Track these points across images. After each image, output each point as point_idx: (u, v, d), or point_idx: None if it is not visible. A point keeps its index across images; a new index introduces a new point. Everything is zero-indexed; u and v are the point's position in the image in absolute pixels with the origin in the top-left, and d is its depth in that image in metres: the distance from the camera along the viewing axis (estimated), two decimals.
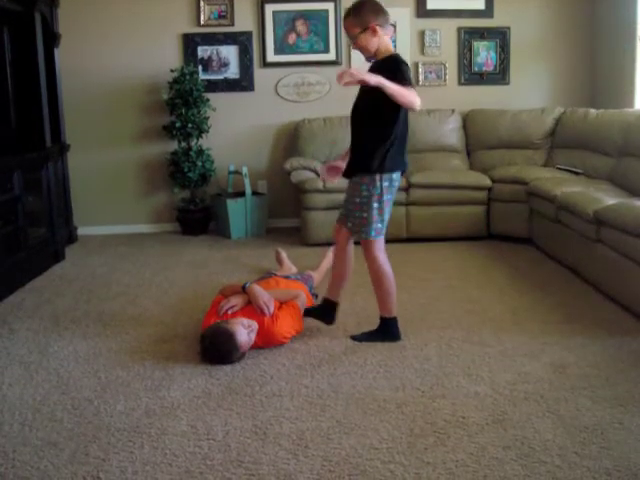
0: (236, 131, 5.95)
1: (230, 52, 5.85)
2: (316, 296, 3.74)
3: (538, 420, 2.41)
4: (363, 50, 3.03)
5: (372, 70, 2.96)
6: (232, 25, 5.80)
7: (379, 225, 3.09)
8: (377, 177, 3.01)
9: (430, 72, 6.06)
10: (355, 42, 3.02)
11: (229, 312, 3.12)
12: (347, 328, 3.39)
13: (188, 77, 5.51)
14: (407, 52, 5.99)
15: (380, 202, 3.06)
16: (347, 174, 3.12)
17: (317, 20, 5.86)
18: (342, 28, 2.99)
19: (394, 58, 2.99)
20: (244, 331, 2.95)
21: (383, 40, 3.00)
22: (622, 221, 3.52)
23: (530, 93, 6.11)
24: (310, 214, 5.20)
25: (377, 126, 2.98)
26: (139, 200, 6.05)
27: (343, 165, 3.18)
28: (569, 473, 2.07)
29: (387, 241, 5.31)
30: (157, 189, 6.03)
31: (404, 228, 5.30)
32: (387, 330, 3.21)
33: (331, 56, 5.93)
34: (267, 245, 5.32)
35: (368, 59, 3.09)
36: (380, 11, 3.01)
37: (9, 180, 4.22)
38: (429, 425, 2.39)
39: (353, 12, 2.99)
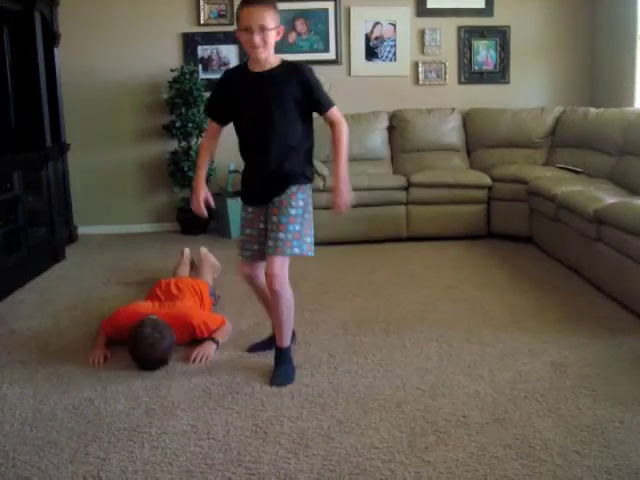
0: None
1: (230, 51, 5.85)
2: (217, 297, 3.78)
3: (538, 419, 2.41)
4: (266, 47, 2.57)
5: (278, 77, 2.61)
6: (232, 24, 5.80)
7: (309, 239, 2.72)
8: (309, 185, 2.73)
9: (430, 71, 6.06)
10: (263, 36, 2.54)
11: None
12: (347, 328, 3.39)
13: (188, 76, 5.51)
14: (407, 51, 6.01)
15: (311, 213, 2.76)
16: (276, 190, 2.66)
17: (317, 19, 5.87)
18: (251, 13, 2.48)
19: (305, 67, 2.66)
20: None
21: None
22: (622, 220, 3.52)
23: (530, 92, 6.11)
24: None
25: (306, 129, 2.69)
26: (139, 200, 6.05)
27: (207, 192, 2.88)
28: (569, 472, 2.07)
29: (387, 240, 5.37)
30: (157, 188, 6.03)
31: (404, 227, 5.30)
32: (290, 359, 2.87)
33: (331, 55, 5.94)
34: None
35: (251, 57, 2.64)
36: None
37: (9, 180, 4.22)
38: (429, 424, 2.39)
39: (271, 3, 2.62)
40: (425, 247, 5.10)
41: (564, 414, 2.44)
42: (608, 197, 3.99)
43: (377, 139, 5.78)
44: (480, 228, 5.30)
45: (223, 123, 2.80)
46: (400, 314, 3.58)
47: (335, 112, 2.68)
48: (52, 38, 5.31)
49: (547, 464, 2.12)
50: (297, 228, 2.66)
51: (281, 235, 2.63)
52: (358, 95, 5.92)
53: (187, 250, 4.27)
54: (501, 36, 6.03)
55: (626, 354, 2.96)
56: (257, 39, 2.54)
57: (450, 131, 5.81)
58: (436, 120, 5.80)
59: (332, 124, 2.70)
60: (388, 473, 2.10)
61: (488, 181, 5.25)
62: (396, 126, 5.82)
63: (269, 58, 2.64)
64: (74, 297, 4.03)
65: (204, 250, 4.24)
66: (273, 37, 2.60)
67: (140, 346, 2.86)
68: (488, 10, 5.99)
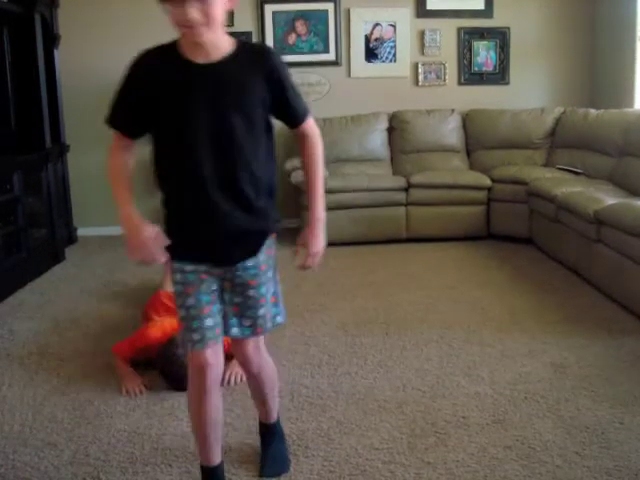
0: None
1: None
2: None
3: (538, 420, 2.41)
4: (209, 25, 1.60)
5: (237, 71, 1.70)
6: (232, 25, 5.79)
7: (281, 295, 1.99)
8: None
9: (430, 72, 6.06)
10: (203, 6, 1.58)
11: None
12: (347, 328, 3.39)
13: None
14: (407, 52, 6.01)
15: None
16: (247, 248, 1.83)
17: (317, 20, 5.87)
18: None
19: (274, 54, 1.85)
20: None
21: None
22: (622, 221, 3.52)
23: (530, 93, 6.11)
24: None
25: (272, 148, 1.88)
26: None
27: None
28: (570, 473, 2.07)
29: (387, 241, 5.37)
30: (157, 190, 6.02)
31: (404, 228, 5.30)
32: (283, 434, 2.25)
33: (331, 56, 5.94)
34: None
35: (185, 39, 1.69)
36: None
37: (9, 181, 4.22)
38: (429, 425, 2.39)
39: None
40: (425, 248, 5.10)
41: (564, 415, 2.44)
42: (608, 198, 3.99)
43: (377, 140, 5.78)
44: (480, 229, 5.30)
45: (136, 136, 1.81)
46: (400, 315, 3.58)
47: (312, 123, 1.94)
48: (52, 39, 5.32)
49: (547, 465, 2.12)
50: (274, 289, 1.94)
51: (261, 311, 1.87)
52: (358, 96, 5.92)
53: None
54: (501, 37, 6.03)
55: (626, 355, 2.96)
56: (193, 13, 1.58)
57: (450, 132, 5.81)
58: (436, 121, 5.80)
59: (304, 137, 1.94)
60: (388, 474, 2.10)
61: (488, 182, 5.25)
62: (396, 127, 5.82)
63: (218, 40, 1.68)
64: (74, 298, 4.03)
65: None
66: (221, 7, 1.62)
67: (174, 368, 2.67)
68: (488, 11, 5.98)
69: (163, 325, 2.97)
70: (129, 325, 3.50)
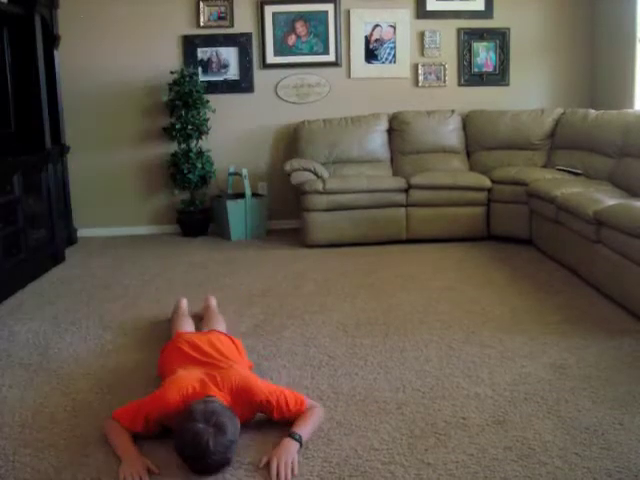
0: (236, 132, 5.95)
1: (230, 53, 5.85)
2: None
3: (538, 421, 2.41)
4: None
5: None
6: (232, 27, 5.80)
7: None
8: None
9: (430, 73, 6.07)
10: None
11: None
12: (347, 329, 3.39)
13: (188, 79, 5.51)
14: (407, 53, 6.01)
15: None
16: None
17: (317, 21, 5.87)
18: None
19: None
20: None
21: None
22: (622, 222, 3.52)
23: (530, 94, 6.12)
24: (310, 215, 5.21)
25: None
26: (139, 202, 6.05)
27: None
28: (569, 474, 2.07)
29: (387, 242, 5.37)
30: (157, 191, 6.03)
31: (404, 229, 5.30)
32: None
33: (331, 57, 5.94)
34: (267, 247, 5.33)
35: None
36: None
37: (9, 182, 4.22)
38: (429, 426, 2.39)
39: None
40: (425, 249, 5.10)
41: (564, 416, 2.44)
42: (608, 199, 4.00)
43: (377, 141, 5.78)
44: (480, 230, 5.30)
45: None
46: (400, 316, 3.58)
47: None
48: (52, 40, 5.32)
49: (547, 466, 2.12)
50: None
51: None
52: (358, 97, 5.93)
53: (184, 301, 3.52)
54: (501, 38, 6.04)
55: (626, 355, 2.96)
56: None
57: (450, 133, 5.81)
58: (436, 122, 5.80)
59: None
60: (388, 475, 2.10)
61: (488, 183, 5.25)
62: (396, 128, 5.82)
63: None
64: (74, 299, 4.03)
65: (214, 301, 3.53)
66: None
67: (191, 449, 2.06)
68: (488, 12, 5.99)
69: (182, 384, 2.33)
70: (129, 327, 3.51)
